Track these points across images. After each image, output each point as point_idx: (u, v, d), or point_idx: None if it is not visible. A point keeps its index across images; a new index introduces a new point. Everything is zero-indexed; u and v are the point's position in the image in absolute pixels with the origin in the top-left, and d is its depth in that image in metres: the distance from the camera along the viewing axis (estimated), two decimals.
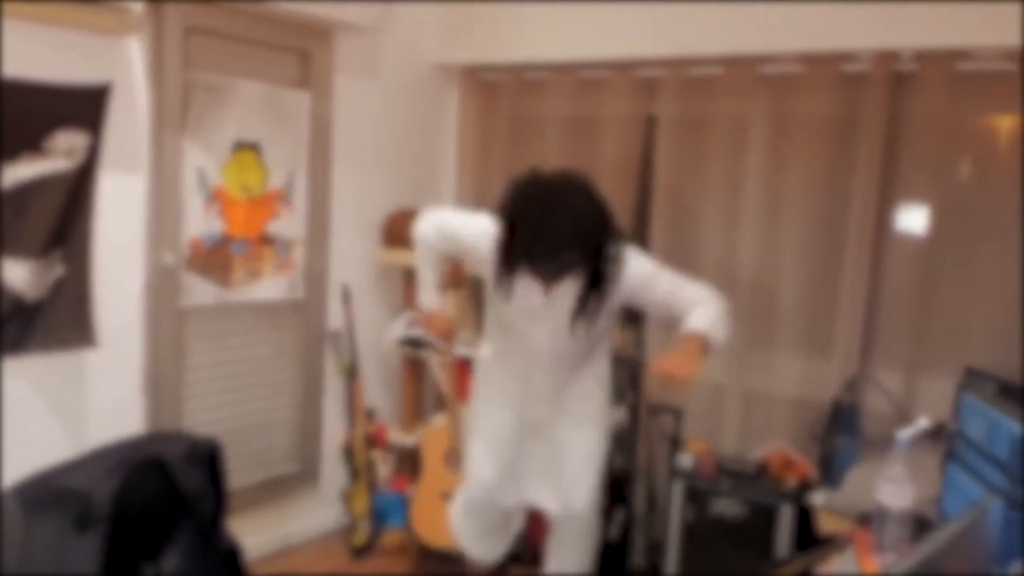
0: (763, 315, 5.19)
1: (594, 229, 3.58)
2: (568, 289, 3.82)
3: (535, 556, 4.91)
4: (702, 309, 3.85)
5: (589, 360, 4.24)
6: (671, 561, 4.97)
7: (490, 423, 4.40)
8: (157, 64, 4.46)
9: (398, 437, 5.84)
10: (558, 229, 3.48)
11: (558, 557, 4.52)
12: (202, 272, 4.78)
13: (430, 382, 6.05)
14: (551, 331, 4.00)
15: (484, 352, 4.49)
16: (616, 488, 5.10)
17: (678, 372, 3.66)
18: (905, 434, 3.20)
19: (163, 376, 4.70)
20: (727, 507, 4.89)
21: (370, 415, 5.68)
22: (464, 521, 4.65)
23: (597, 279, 3.72)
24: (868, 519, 3.17)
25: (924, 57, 4.62)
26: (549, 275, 3.70)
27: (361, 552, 5.54)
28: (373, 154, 5.78)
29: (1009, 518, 2.87)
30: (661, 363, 3.70)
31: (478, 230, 4.01)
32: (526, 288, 3.88)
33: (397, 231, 5.71)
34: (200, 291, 4.80)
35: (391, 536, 5.61)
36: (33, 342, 4.07)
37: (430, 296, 4.47)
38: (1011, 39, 4.22)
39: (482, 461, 4.41)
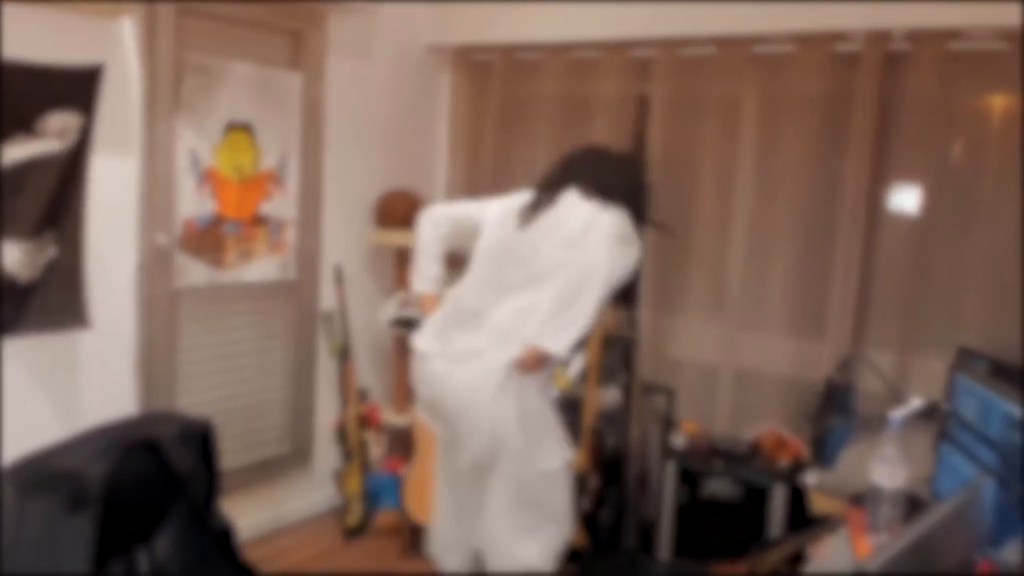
0: (756, 295, 5.19)
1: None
2: None
3: None
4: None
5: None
6: (664, 541, 4.98)
7: None
8: (150, 45, 4.44)
9: (391, 418, 5.83)
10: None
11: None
12: (195, 253, 4.78)
13: None
14: None
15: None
16: (609, 468, 5.11)
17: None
18: (898, 414, 3.21)
19: (156, 357, 4.70)
20: (720, 487, 4.91)
21: (363, 396, 5.68)
22: None
23: None
24: (861, 499, 3.18)
25: (916, 37, 4.62)
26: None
27: (354, 533, 5.54)
28: (365, 135, 5.77)
29: (1002, 498, 2.88)
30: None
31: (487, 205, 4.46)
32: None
33: (389, 212, 5.71)
34: (193, 272, 4.79)
35: (384, 516, 5.61)
36: (26, 323, 4.06)
37: (426, 282, 4.47)
38: (1003, 19, 4.22)
39: None
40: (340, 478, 5.60)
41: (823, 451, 4.51)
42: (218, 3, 4.74)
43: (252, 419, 5.31)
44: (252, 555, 4.57)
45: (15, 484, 3.59)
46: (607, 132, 5.52)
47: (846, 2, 4.62)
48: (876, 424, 3.77)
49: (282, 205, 5.21)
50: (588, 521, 5.03)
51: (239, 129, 4.91)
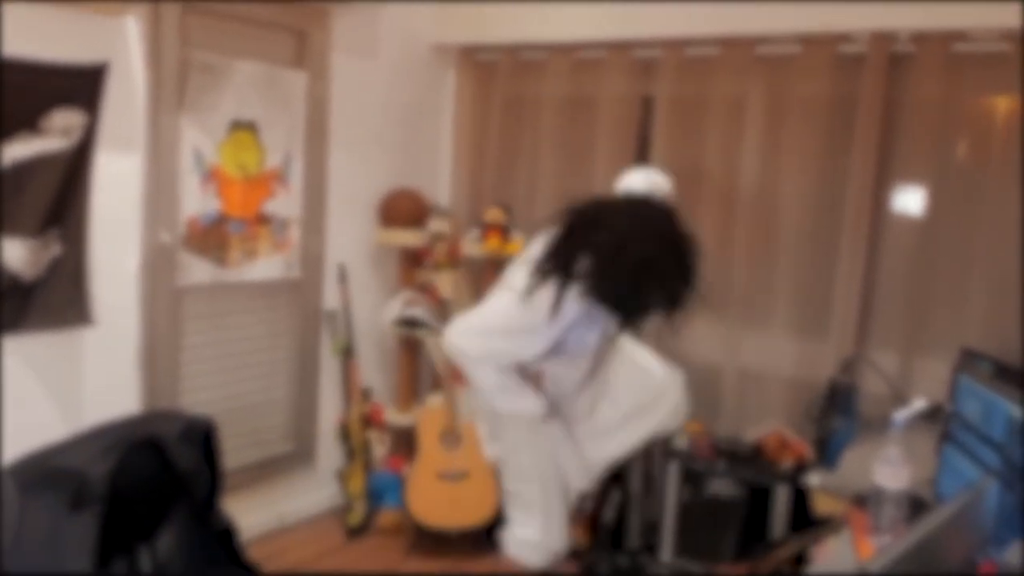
0: (760, 295, 5.19)
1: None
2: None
3: None
4: None
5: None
6: (667, 542, 4.98)
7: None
8: (154, 43, 4.44)
9: (394, 417, 5.84)
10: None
11: None
12: (198, 251, 4.78)
13: (426, 362, 6.05)
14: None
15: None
16: (612, 469, 5.11)
17: None
18: (901, 415, 3.21)
19: (159, 355, 4.70)
20: (723, 488, 4.91)
21: (366, 395, 5.69)
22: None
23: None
24: (864, 500, 3.17)
25: (921, 38, 4.62)
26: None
27: (357, 532, 5.54)
28: (370, 134, 5.77)
29: (1004, 499, 2.88)
30: None
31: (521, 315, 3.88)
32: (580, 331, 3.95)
33: (394, 211, 5.71)
34: (197, 270, 4.79)
35: (387, 516, 5.61)
36: (30, 321, 4.06)
37: (529, 401, 4.17)
38: (1008, 20, 4.21)
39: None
40: (343, 477, 5.60)
41: (826, 452, 4.50)
42: (223, 2, 4.74)
43: (255, 418, 5.31)
44: (254, 554, 4.57)
45: (18, 482, 3.59)
46: (611, 132, 5.53)
47: (850, 3, 4.62)
48: (879, 425, 3.77)
49: (286, 204, 5.21)
50: (591, 521, 5.04)
51: (243, 127, 4.91)
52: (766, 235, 5.15)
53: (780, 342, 5.17)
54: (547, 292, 3.69)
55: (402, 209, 5.70)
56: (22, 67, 3.83)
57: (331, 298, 5.60)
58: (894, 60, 4.73)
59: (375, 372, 5.97)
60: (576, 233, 3.69)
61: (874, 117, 4.76)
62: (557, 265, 3.68)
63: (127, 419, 4.13)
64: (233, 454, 4.85)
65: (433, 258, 5.62)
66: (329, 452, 5.72)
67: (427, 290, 5.67)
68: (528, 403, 4.10)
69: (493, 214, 5.68)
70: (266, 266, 5.15)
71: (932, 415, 3.55)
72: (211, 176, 4.78)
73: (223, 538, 4.26)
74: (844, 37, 4.80)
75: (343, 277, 5.61)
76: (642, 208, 3.77)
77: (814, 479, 4.40)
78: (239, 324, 5.17)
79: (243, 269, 5.02)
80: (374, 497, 5.63)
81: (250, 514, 5.05)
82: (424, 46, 6.13)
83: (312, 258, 5.44)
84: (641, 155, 5.45)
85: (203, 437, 4.16)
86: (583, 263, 3.60)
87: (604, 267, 3.58)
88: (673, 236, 3.63)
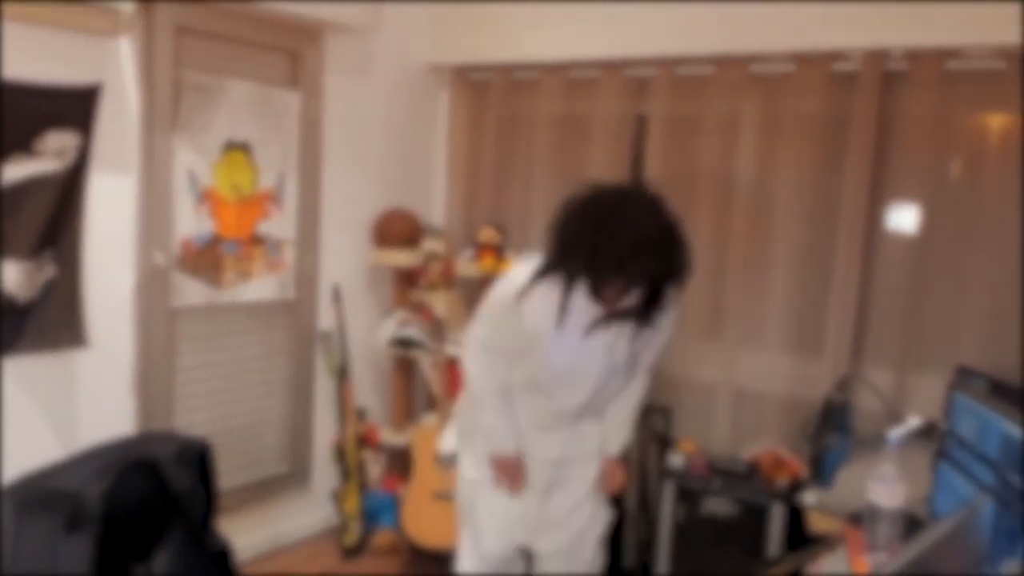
0: (754, 313, 5.19)
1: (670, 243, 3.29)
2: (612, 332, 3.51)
3: None
4: (623, 421, 3.98)
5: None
6: (662, 560, 4.97)
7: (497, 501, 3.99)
8: (148, 64, 4.46)
9: (389, 437, 5.84)
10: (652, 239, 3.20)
11: None
12: (193, 272, 4.78)
13: (421, 382, 6.05)
14: (593, 379, 3.68)
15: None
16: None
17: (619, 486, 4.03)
18: (896, 433, 3.21)
19: (154, 376, 4.70)
20: (718, 506, 4.90)
21: (361, 415, 5.68)
22: None
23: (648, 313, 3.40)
24: (859, 518, 3.17)
25: (914, 56, 4.62)
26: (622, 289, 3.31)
27: (352, 552, 5.53)
28: (363, 154, 5.78)
29: (1000, 517, 2.87)
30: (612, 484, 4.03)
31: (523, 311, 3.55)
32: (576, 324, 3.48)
33: (388, 231, 5.72)
34: (191, 291, 4.79)
35: (382, 536, 5.60)
36: (24, 343, 4.06)
37: (507, 442, 3.88)
38: (1001, 38, 4.22)
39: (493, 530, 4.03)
40: (338, 497, 5.59)
41: (821, 470, 4.50)
42: (216, 21, 4.74)
43: (250, 438, 5.31)
44: (250, 574, 4.57)
45: (14, 503, 3.58)
46: (605, 151, 5.53)
47: (844, 21, 4.63)
48: (874, 443, 3.76)
49: (280, 224, 5.21)
50: None
51: (237, 148, 4.91)
52: (760, 252, 5.15)
53: (775, 360, 5.17)
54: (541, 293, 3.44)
55: (396, 229, 5.71)
56: (16, 89, 3.83)
57: (325, 318, 5.60)
58: (888, 78, 4.74)
59: (370, 392, 5.96)
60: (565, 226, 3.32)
61: (868, 135, 4.77)
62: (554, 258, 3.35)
63: (122, 440, 4.13)
64: (228, 475, 4.85)
65: (427, 278, 5.62)
66: (324, 473, 5.71)
67: (421, 310, 5.67)
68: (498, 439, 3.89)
69: (487, 234, 5.68)
70: (260, 287, 5.15)
71: (927, 433, 3.55)
72: (205, 197, 4.78)
73: (219, 559, 4.25)
74: (838, 55, 4.81)
75: (337, 297, 5.61)
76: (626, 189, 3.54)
77: (809, 497, 4.40)
78: (233, 345, 5.16)
79: (237, 290, 5.02)
80: (369, 517, 5.62)
81: (245, 535, 5.04)
82: (417, 66, 6.14)
83: (306, 278, 5.44)
84: (635, 173, 5.45)
85: (198, 458, 4.16)
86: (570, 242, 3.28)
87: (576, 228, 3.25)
88: (658, 212, 3.40)
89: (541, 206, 5.80)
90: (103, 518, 3.59)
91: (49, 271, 4.10)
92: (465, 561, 4.12)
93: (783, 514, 4.62)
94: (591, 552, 4.08)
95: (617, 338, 3.52)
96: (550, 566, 4.06)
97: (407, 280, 5.86)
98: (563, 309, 3.37)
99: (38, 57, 3.96)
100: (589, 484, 4.00)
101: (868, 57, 4.72)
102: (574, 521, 4.00)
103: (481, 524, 4.00)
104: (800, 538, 4.44)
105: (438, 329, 5.53)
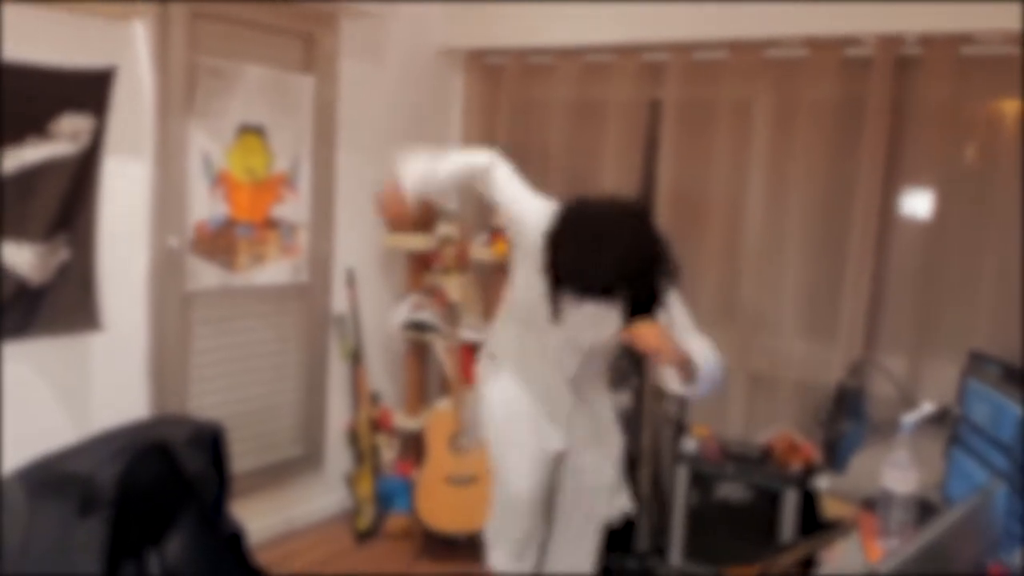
0: (768, 299, 5.19)
1: (650, 265, 3.39)
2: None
3: None
4: (699, 347, 3.68)
5: (595, 384, 4.07)
6: (676, 545, 4.97)
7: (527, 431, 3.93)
8: (162, 48, 4.45)
9: (402, 421, 5.84)
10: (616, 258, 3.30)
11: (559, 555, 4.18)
12: (207, 256, 4.78)
13: (434, 366, 6.06)
14: (572, 341, 3.81)
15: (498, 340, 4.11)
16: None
17: (656, 342, 3.41)
18: (910, 418, 3.20)
19: (167, 360, 4.71)
20: (732, 491, 4.90)
21: (374, 399, 5.69)
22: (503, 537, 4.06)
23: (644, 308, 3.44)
24: (873, 504, 3.17)
25: (928, 41, 4.61)
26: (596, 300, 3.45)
27: (365, 536, 5.54)
28: (378, 138, 5.76)
29: (1014, 502, 2.87)
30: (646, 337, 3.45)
31: (532, 215, 3.90)
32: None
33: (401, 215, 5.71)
34: (205, 275, 4.80)
35: (395, 520, 5.61)
36: (38, 326, 4.07)
37: (413, 178, 4.16)
38: (1015, 23, 4.21)
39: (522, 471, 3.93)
40: (352, 481, 5.60)
41: (835, 455, 4.49)
42: (230, 5, 4.74)
43: (264, 422, 5.31)
44: (263, 558, 4.58)
45: (27, 487, 3.60)
46: (619, 136, 5.53)
47: (858, 6, 4.61)
48: (888, 428, 3.75)
49: (294, 208, 5.21)
50: None
51: (252, 132, 4.91)
52: (774, 238, 5.14)
53: (789, 345, 5.16)
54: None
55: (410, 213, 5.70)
56: (30, 72, 3.83)
57: (339, 302, 5.61)
58: (901, 63, 4.73)
59: (383, 376, 5.97)
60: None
61: (882, 120, 4.76)
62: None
63: (136, 424, 4.15)
64: (241, 458, 4.86)
65: (441, 262, 5.62)
66: (338, 456, 5.72)
67: (435, 294, 5.67)
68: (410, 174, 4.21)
69: (501, 218, 5.67)
70: (274, 270, 5.15)
71: (940, 418, 3.54)
72: (219, 180, 4.78)
73: (232, 542, 4.27)
74: (851, 40, 4.80)
75: (351, 281, 5.61)
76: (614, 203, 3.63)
77: (823, 482, 4.39)
78: (247, 328, 5.17)
79: (251, 274, 5.02)
80: (383, 501, 5.63)
81: (258, 518, 5.06)
82: (432, 50, 6.13)
83: (320, 262, 5.44)
84: (649, 158, 5.44)
85: (211, 441, 4.18)
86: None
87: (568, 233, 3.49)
88: (641, 232, 3.47)
89: (555, 190, 5.78)
90: (116, 501, 3.60)
91: (63, 254, 4.10)
92: (496, 520, 3.99)
93: (796, 499, 4.62)
94: (604, 509, 4.07)
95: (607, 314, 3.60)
96: (568, 528, 4.09)
97: (421, 264, 5.86)
98: (553, 303, 3.54)
99: (53, 40, 3.97)
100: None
101: (882, 42, 4.71)
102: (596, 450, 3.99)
103: (513, 445, 3.90)
104: (813, 523, 4.44)
105: (452, 313, 5.52)
